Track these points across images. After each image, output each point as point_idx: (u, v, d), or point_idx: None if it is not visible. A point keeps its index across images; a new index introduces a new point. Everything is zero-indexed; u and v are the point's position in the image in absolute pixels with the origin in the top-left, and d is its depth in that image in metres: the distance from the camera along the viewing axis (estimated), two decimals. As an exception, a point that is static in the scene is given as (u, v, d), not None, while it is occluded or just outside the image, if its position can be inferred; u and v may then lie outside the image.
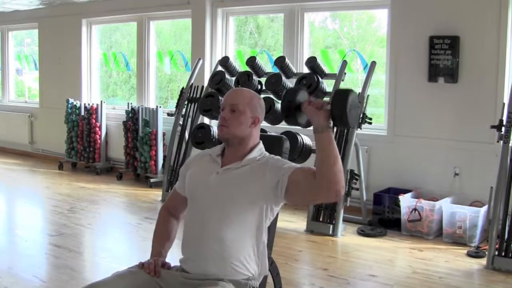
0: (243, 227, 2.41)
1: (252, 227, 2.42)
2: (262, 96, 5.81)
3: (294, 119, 2.47)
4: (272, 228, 2.62)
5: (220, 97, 5.94)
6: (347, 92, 2.29)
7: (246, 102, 2.51)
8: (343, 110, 2.24)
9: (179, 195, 2.66)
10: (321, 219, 5.70)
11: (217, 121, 2.55)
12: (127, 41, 9.53)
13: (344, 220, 5.72)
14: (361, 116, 5.70)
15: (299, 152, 5.38)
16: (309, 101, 2.33)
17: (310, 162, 5.62)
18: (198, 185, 2.53)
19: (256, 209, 2.42)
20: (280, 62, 6.07)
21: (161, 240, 2.64)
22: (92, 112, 8.78)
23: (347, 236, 5.59)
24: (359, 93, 5.79)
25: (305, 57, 6.63)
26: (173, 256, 2.64)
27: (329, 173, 2.20)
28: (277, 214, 2.65)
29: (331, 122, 2.28)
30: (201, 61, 7.40)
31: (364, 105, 5.74)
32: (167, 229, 2.68)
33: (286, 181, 2.35)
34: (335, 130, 5.72)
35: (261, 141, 2.59)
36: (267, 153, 2.56)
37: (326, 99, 2.36)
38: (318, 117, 2.26)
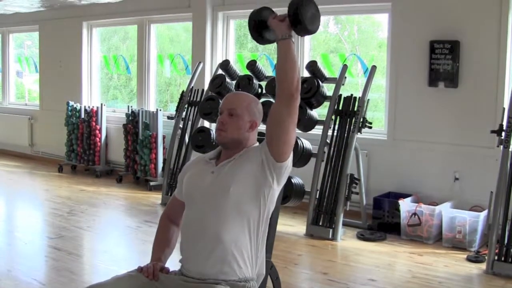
0: (240, 224, 2.41)
1: (249, 224, 2.42)
2: (263, 99, 5.83)
3: (262, 37, 2.60)
4: (271, 232, 2.62)
5: (220, 101, 5.94)
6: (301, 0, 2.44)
7: (244, 106, 2.53)
8: (300, 16, 2.41)
9: (178, 201, 2.67)
10: (320, 223, 5.69)
11: (216, 124, 2.57)
12: (127, 44, 9.54)
13: (344, 224, 5.71)
14: (361, 120, 5.70)
15: (299, 156, 5.38)
16: (274, 15, 2.49)
17: (310, 166, 5.65)
18: (195, 186, 2.55)
19: (251, 195, 2.42)
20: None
21: (161, 247, 2.65)
22: (92, 115, 8.78)
23: (346, 240, 5.59)
24: (359, 97, 5.80)
25: (306, 61, 6.64)
26: (172, 261, 2.64)
27: (284, 73, 2.38)
28: (278, 217, 2.65)
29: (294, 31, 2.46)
30: (201, 65, 7.40)
31: (365, 109, 5.74)
32: (167, 236, 2.68)
33: (265, 143, 2.45)
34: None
35: (258, 142, 2.62)
36: None
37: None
38: (281, 27, 2.43)
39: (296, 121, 2.44)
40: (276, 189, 2.50)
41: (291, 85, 2.35)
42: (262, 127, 2.54)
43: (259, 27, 2.56)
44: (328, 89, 5.97)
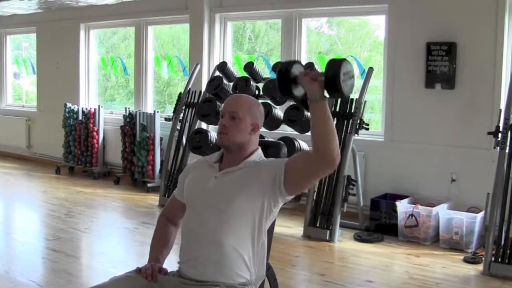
0: (241, 231, 2.41)
1: (250, 230, 2.43)
2: (260, 101, 5.81)
3: (290, 91, 2.45)
4: (269, 233, 2.63)
5: (217, 102, 5.95)
6: (340, 61, 2.30)
7: (246, 109, 2.52)
8: (337, 79, 2.26)
9: (178, 202, 2.67)
10: (318, 225, 5.70)
11: (216, 127, 2.57)
12: (125, 46, 9.54)
13: (341, 226, 5.72)
14: (358, 121, 5.72)
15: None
16: (305, 72, 2.35)
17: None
18: (197, 189, 2.54)
19: (254, 210, 2.42)
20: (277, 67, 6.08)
21: (159, 247, 2.65)
22: (89, 117, 8.78)
23: (344, 242, 5.60)
24: (356, 99, 5.81)
25: (303, 62, 6.64)
26: (170, 262, 2.65)
27: (324, 141, 2.26)
28: (275, 219, 2.66)
29: (326, 92, 2.31)
30: (199, 66, 7.41)
31: (362, 111, 5.76)
32: (165, 236, 2.69)
33: (283, 171, 2.39)
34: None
35: (259, 147, 2.61)
36: (265, 158, 2.58)
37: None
38: (313, 87, 2.28)
39: None
40: (281, 204, 2.50)
41: (332, 152, 2.25)
42: (262, 130, 2.54)
43: (289, 82, 2.42)
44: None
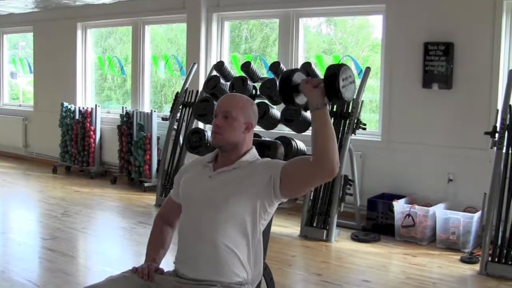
0: (236, 231, 2.41)
1: (246, 230, 2.42)
2: (257, 101, 5.82)
3: (292, 100, 2.47)
4: (266, 233, 2.63)
5: (215, 102, 5.93)
6: (339, 66, 2.32)
7: (239, 108, 2.52)
8: (337, 85, 2.27)
9: (174, 203, 2.67)
10: (315, 224, 5.70)
11: (211, 127, 2.57)
12: (121, 45, 9.53)
13: (338, 226, 5.72)
14: (355, 121, 5.72)
15: (293, 157, 5.37)
16: (306, 80, 2.36)
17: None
18: (192, 189, 2.54)
19: (250, 210, 2.42)
20: (275, 67, 6.08)
21: (155, 248, 2.65)
22: (86, 116, 8.77)
23: (340, 242, 5.60)
24: (353, 99, 5.81)
25: (300, 62, 6.65)
26: (167, 261, 2.65)
27: (324, 151, 2.24)
28: (272, 219, 2.65)
29: (327, 100, 2.31)
30: (196, 66, 7.40)
31: (359, 110, 5.76)
32: (161, 237, 2.68)
33: (279, 174, 2.39)
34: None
35: (254, 147, 2.61)
36: (259, 158, 2.58)
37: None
38: (314, 95, 2.29)
39: None
40: (276, 205, 2.50)
41: (332, 162, 2.24)
42: (259, 129, 2.53)
43: (290, 91, 2.44)
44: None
